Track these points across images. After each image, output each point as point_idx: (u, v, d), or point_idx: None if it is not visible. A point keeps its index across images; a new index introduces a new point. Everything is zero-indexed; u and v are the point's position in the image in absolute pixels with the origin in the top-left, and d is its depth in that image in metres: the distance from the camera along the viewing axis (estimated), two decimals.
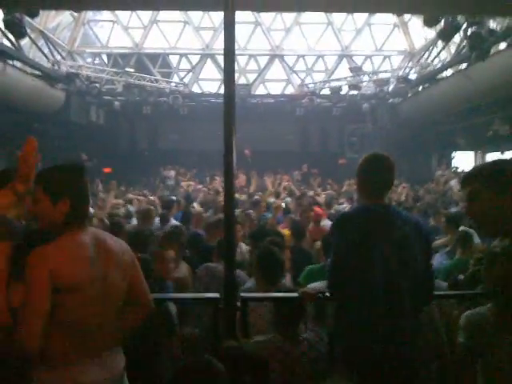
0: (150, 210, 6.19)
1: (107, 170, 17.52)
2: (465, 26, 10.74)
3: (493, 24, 10.70)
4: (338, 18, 18.89)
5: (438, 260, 4.74)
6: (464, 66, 12.04)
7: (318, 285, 3.19)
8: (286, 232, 5.61)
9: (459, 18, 10.56)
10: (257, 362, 1.70)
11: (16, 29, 10.89)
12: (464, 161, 18.08)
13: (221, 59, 18.63)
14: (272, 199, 8.83)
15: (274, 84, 20.61)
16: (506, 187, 1.82)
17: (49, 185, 1.97)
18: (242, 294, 2.79)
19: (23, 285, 1.84)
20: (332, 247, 2.47)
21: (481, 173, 1.91)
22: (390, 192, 2.59)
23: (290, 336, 2.66)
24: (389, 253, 2.30)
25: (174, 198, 8.31)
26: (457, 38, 12.44)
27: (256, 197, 8.52)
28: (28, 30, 12.22)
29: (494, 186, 1.83)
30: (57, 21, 17.42)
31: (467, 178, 1.96)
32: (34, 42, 15.23)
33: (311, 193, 10.65)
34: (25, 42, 13.71)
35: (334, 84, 17.79)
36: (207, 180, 15.52)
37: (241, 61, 19.46)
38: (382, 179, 2.46)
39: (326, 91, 18.17)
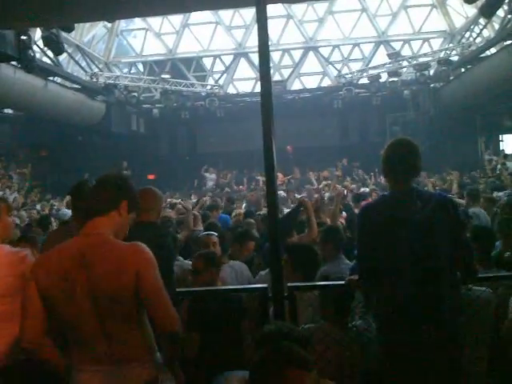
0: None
1: (151, 176, 17.85)
2: None
3: None
4: (373, 2, 18.38)
5: None
6: (509, 42, 11.34)
7: None
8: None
9: None
10: (298, 341, 1.64)
11: (54, 45, 11.16)
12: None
13: (254, 57, 18.56)
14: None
15: (310, 77, 20.31)
16: None
17: None
18: (289, 284, 2.84)
19: None
20: (357, 238, 2.57)
21: None
22: (416, 177, 2.60)
23: (338, 323, 2.75)
24: (411, 237, 2.31)
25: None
26: (500, 12, 11.79)
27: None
28: (65, 46, 12.53)
29: None
30: (91, 34, 17.82)
31: None
32: (71, 56, 15.66)
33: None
34: (63, 57, 14.06)
35: (372, 72, 17.25)
36: (244, 181, 15.63)
37: (274, 56, 19.19)
38: (405, 164, 2.45)
39: (364, 80, 17.70)
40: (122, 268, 1.93)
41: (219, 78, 19.98)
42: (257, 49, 2.75)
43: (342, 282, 2.74)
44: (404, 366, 2.28)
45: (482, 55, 13.35)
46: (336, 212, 5.64)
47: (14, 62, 10.29)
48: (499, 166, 12.39)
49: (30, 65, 10.40)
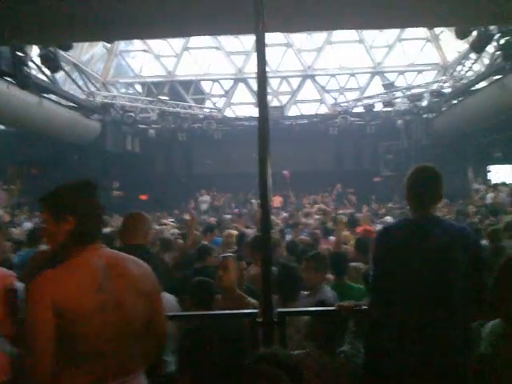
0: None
1: (143, 196, 17.75)
2: (498, 36, 10.53)
3: None
4: (370, 34, 18.80)
5: None
6: (498, 77, 11.74)
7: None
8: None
9: (491, 28, 10.33)
10: (291, 369, 1.62)
11: (51, 63, 11.10)
12: (501, 174, 17.37)
13: (253, 83, 18.74)
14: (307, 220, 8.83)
15: (307, 104, 20.65)
16: None
17: (50, 203, 1.92)
18: (279, 310, 2.79)
19: None
20: (372, 262, 2.51)
21: None
22: (436, 204, 2.55)
23: (327, 349, 2.69)
24: (423, 265, 2.26)
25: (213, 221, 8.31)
26: (490, 48, 12.18)
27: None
28: (62, 64, 12.48)
29: None
30: (90, 53, 17.89)
31: None
32: (68, 74, 15.59)
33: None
34: (59, 75, 14.03)
35: (367, 102, 17.59)
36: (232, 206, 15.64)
37: (273, 83, 19.55)
38: (427, 190, 2.44)
39: (359, 109, 18.00)
40: (147, 279, 1.99)
41: (217, 102, 20.13)
42: (255, 75, 2.77)
43: (333, 308, 2.70)
44: None
45: (473, 88, 13.74)
46: (339, 240, 5.58)
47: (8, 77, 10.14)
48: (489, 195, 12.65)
49: (24, 81, 10.24)
